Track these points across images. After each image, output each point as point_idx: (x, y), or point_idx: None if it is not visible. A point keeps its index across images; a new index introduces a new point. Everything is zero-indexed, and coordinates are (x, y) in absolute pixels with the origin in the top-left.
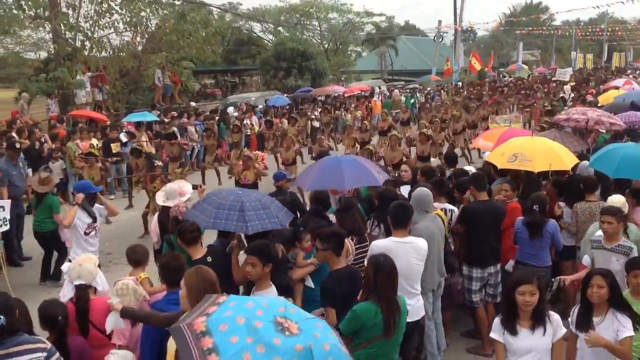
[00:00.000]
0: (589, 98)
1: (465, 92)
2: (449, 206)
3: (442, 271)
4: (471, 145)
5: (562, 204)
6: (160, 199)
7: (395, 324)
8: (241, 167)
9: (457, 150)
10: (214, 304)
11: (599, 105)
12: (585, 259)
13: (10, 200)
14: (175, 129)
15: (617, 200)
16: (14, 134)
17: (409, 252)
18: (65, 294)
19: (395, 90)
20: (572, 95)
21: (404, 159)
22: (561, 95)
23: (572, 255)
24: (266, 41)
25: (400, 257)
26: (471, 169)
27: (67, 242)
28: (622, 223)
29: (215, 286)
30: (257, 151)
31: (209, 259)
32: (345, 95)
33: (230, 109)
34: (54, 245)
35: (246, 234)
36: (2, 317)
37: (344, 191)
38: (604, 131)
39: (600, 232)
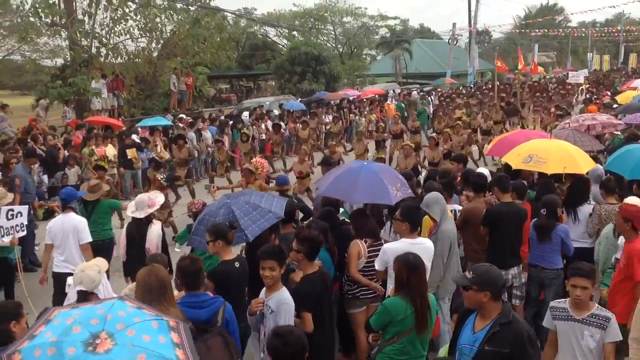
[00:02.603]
0: (606, 99)
1: (481, 95)
2: (457, 207)
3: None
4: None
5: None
6: (129, 209)
7: (427, 320)
8: (244, 182)
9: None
10: (45, 322)
11: (614, 106)
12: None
13: (27, 207)
14: (190, 133)
15: (634, 202)
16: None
17: (420, 253)
18: (69, 297)
19: (414, 91)
20: (582, 97)
21: (419, 167)
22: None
23: (584, 257)
24: (281, 46)
25: None
26: (485, 171)
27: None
28: (595, 287)
29: (163, 285)
30: (257, 159)
31: (237, 264)
32: (360, 98)
33: (245, 114)
34: (109, 255)
35: (248, 242)
36: None
37: None
38: (619, 132)
39: (561, 301)
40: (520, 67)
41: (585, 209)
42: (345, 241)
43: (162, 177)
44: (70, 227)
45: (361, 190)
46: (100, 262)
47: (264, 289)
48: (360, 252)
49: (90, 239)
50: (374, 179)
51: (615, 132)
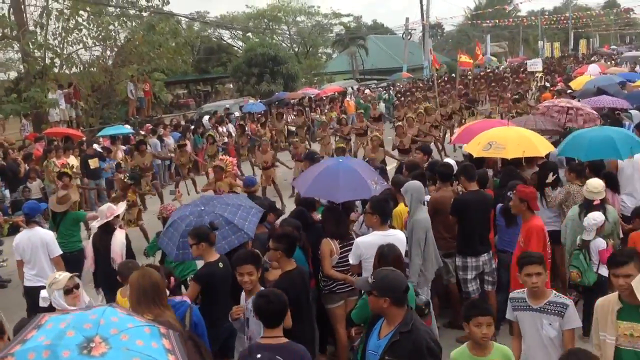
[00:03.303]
0: (560, 86)
1: (439, 88)
2: (427, 197)
3: (439, 261)
4: (449, 142)
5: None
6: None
7: None
8: (213, 180)
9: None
10: (35, 326)
11: (569, 91)
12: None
13: None
14: (152, 139)
15: (596, 184)
16: None
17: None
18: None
19: (367, 90)
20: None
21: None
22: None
23: (554, 240)
24: (236, 48)
25: None
26: (451, 161)
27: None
28: (548, 272)
29: (157, 287)
30: (226, 157)
31: (221, 264)
32: (319, 96)
33: (205, 119)
34: (79, 266)
35: None
36: None
37: None
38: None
39: (520, 291)
40: (478, 59)
41: (555, 193)
42: (319, 239)
43: (125, 176)
44: (38, 240)
45: (343, 188)
46: (57, 277)
47: (243, 293)
48: (332, 250)
49: (60, 252)
50: (353, 175)
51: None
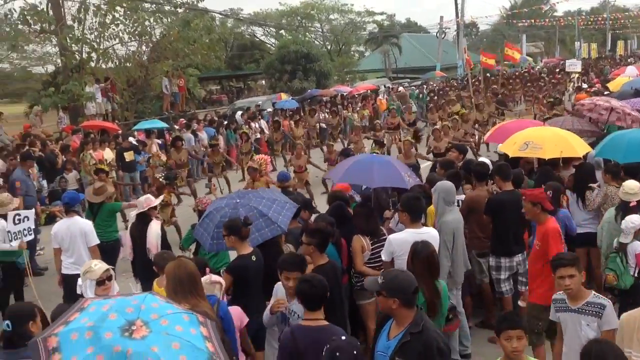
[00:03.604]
0: (597, 87)
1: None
2: (462, 197)
3: (467, 264)
4: (483, 141)
5: (568, 193)
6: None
7: (437, 306)
8: (250, 181)
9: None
10: (78, 309)
11: (606, 93)
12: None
13: (33, 210)
14: (187, 134)
15: (633, 186)
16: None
17: None
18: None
19: (400, 87)
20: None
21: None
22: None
23: (586, 243)
24: (269, 45)
25: None
26: (487, 160)
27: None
28: (584, 273)
29: (193, 277)
30: (260, 155)
31: (254, 257)
32: (352, 94)
33: (238, 114)
34: (114, 256)
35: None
36: (8, 322)
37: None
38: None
39: (561, 292)
40: (510, 59)
41: (592, 195)
42: (353, 234)
43: (160, 175)
44: (77, 230)
45: (377, 176)
46: (93, 266)
47: (281, 289)
48: (364, 246)
49: (97, 241)
50: (387, 166)
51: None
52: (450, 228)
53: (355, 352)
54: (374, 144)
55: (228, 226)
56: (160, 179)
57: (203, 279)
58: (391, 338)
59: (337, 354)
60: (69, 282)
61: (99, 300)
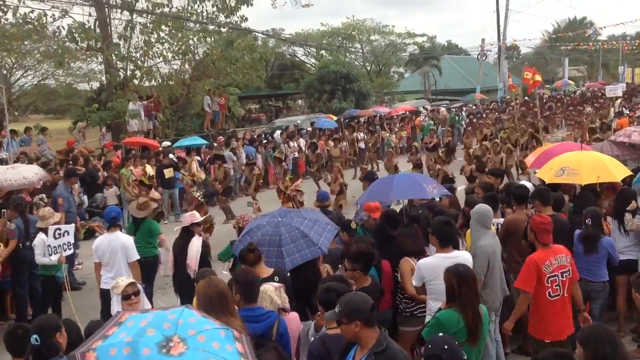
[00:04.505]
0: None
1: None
2: (500, 220)
3: (505, 289)
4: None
5: (609, 219)
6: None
7: (479, 331)
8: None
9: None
10: (116, 324)
11: None
12: None
13: (73, 225)
14: (226, 152)
15: None
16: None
17: None
18: (115, 308)
19: (442, 107)
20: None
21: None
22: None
23: (627, 270)
24: (309, 65)
25: None
26: (528, 183)
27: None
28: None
29: (224, 296)
30: (287, 182)
31: (276, 278)
32: (390, 115)
33: (277, 133)
34: (153, 272)
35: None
36: (36, 336)
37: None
38: None
39: None
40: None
41: (634, 219)
42: (396, 255)
43: (199, 194)
44: (118, 245)
45: (395, 190)
46: (119, 281)
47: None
48: (413, 268)
49: (137, 257)
50: (407, 179)
51: None
52: (485, 253)
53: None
54: (412, 168)
55: (238, 256)
56: (199, 197)
57: (267, 288)
58: None
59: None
60: (106, 297)
61: (137, 315)
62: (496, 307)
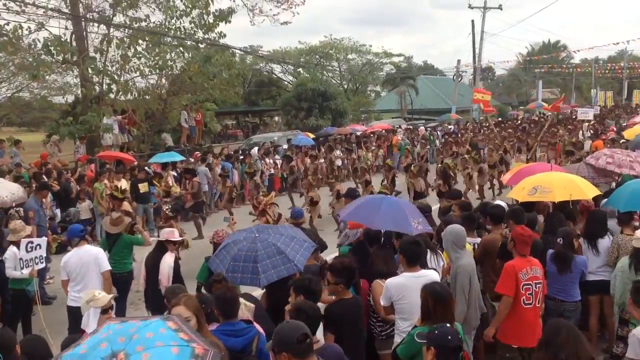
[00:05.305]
0: (611, 135)
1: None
2: (477, 240)
3: (482, 306)
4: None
5: (581, 239)
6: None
7: None
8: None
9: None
10: (93, 332)
11: (622, 141)
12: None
13: (46, 239)
14: (201, 167)
15: None
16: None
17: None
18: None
19: (421, 127)
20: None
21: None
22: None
23: (599, 290)
24: (286, 82)
25: (415, 291)
26: (503, 203)
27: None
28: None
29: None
30: (260, 198)
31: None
32: (366, 133)
33: (254, 150)
34: (127, 287)
35: (259, 286)
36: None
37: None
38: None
39: None
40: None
41: (605, 242)
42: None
43: (167, 207)
44: (90, 257)
45: (383, 217)
46: (97, 295)
47: None
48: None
49: (109, 267)
50: (396, 209)
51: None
52: (466, 272)
53: None
54: (383, 184)
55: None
56: (167, 211)
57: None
58: None
59: None
60: (74, 314)
61: (111, 325)
62: (475, 325)
